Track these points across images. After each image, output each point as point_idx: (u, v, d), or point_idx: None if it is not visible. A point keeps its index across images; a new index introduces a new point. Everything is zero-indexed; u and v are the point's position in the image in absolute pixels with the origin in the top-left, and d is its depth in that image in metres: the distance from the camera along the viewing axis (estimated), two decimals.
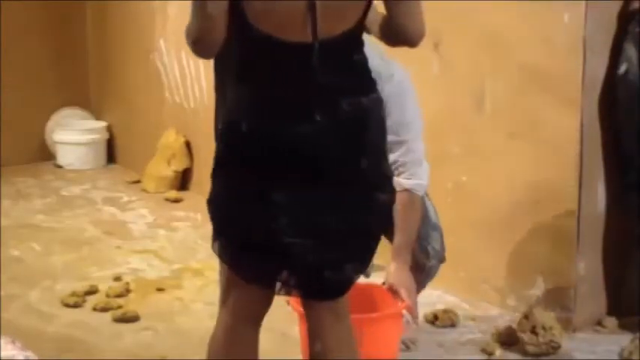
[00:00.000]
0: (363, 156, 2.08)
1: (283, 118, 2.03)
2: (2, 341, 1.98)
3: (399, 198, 2.80)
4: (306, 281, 2.17)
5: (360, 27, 2.09)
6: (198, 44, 2.01)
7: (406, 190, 2.88)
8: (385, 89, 2.73)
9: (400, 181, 2.85)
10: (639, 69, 3.26)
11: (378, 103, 2.13)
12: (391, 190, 2.18)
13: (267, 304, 2.27)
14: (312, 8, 1.98)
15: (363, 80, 2.12)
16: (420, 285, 3.12)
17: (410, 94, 2.90)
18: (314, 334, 2.26)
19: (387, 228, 2.68)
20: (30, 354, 1.98)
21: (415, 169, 2.91)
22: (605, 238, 3.43)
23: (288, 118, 2.03)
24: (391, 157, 2.84)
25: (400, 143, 2.85)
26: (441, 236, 3.10)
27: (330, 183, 2.07)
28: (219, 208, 2.24)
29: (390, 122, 2.80)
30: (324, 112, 2.02)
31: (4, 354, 1.96)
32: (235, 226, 2.18)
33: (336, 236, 2.11)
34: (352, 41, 2.08)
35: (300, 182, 2.06)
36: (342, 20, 2.04)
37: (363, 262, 2.22)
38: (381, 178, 2.14)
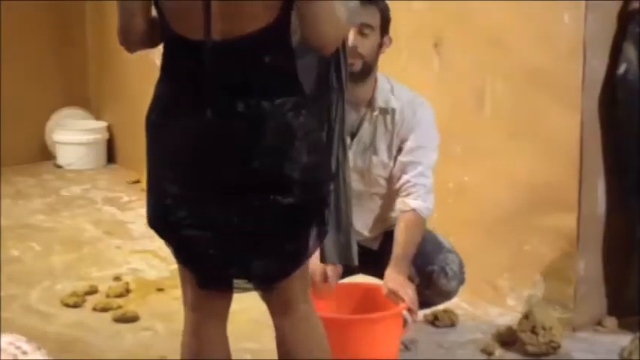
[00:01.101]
0: (256, 158, 2.05)
1: (178, 112, 2.13)
2: (28, 347, 1.98)
3: (405, 217, 2.94)
4: (212, 276, 2.20)
5: (277, 28, 2.05)
6: (120, 37, 2.23)
7: (412, 209, 2.95)
8: (417, 113, 2.96)
9: (408, 201, 2.96)
10: (639, 69, 3.26)
11: (289, 108, 2.07)
12: (300, 195, 2.10)
13: (222, 297, 2.29)
14: (206, 7, 2.01)
15: (271, 83, 2.08)
16: (437, 304, 3.24)
17: (434, 125, 3.04)
18: None
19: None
20: None
21: (424, 193, 2.97)
22: (605, 238, 3.43)
23: (183, 113, 2.11)
24: (404, 177, 2.96)
25: (415, 165, 2.96)
26: (459, 259, 3.14)
27: (221, 180, 2.09)
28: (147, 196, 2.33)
29: (411, 143, 2.89)
30: (216, 111, 2.06)
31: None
32: (154, 219, 2.30)
33: (238, 233, 2.11)
34: (263, 42, 2.05)
35: (195, 176, 2.12)
36: (248, 20, 2.02)
37: (279, 260, 2.17)
38: (281, 181, 2.08)
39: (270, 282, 2.21)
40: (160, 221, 2.24)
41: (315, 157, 2.13)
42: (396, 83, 3.02)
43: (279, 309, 2.27)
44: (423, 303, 3.18)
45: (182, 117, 2.12)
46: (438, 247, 3.10)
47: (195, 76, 2.07)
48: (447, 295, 3.16)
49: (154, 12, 2.16)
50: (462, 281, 3.15)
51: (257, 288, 2.26)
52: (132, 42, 2.21)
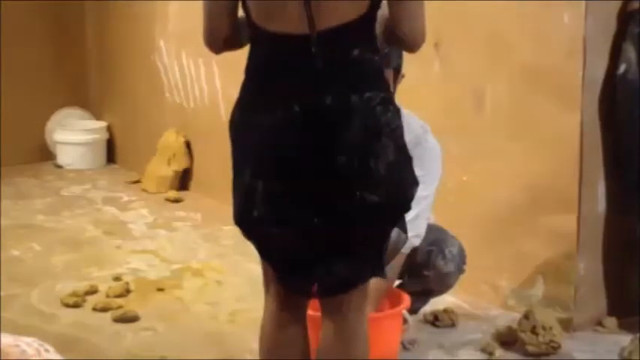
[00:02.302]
0: (342, 153, 2.01)
1: (264, 109, 2.07)
2: (49, 347, 1.98)
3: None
4: (293, 274, 2.16)
5: (365, 22, 2.05)
6: (205, 38, 2.18)
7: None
8: (429, 140, 2.96)
9: None
10: (639, 69, 3.26)
11: (377, 102, 2.05)
12: (387, 194, 2.05)
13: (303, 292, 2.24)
14: (307, 3, 1.99)
15: (359, 77, 2.06)
16: (436, 292, 3.24)
17: (440, 160, 3.02)
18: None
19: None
20: None
21: (417, 221, 2.92)
22: (605, 238, 3.43)
23: (268, 109, 2.05)
24: None
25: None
26: (461, 248, 3.16)
27: (306, 175, 2.04)
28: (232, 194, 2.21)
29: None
30: (303, 105, 2.01)
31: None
32: (238, 212, 2.17)
33: (320, 232, 2.06)
34: (351, 35, 2.04)
35: (280, 172, 2.06)
36: (338, 13, 2.01)
37: (359, 264, 2.13)
38: (367, 178, 2.03)
39: (346, 287, 2.15)
40: (244, 218, 2.14)
41: (402, 157, 2.10)
42: (407, 114, 2.98)
43: (335, 311, 2.19)
44: (423, 292, 3.21)
45: (267, 113, 2.05)
46: (441, 232, 3.16)
47: (282, 71, 2.04)
48: (446, 280, 3.17)
49: (240, 12, 2.14)
50: (461, 269, 3.17)
51: (329, 292, 2.18)
52: (217, 43, 2.18)
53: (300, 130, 2.02)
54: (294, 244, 2.10)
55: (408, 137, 2.78)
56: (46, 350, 1.88)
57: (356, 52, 2.05)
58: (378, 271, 2.20)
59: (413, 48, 2.15)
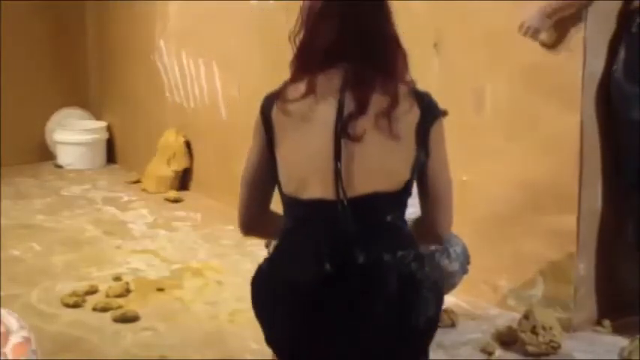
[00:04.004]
0: (378, 309, 2.00)
1: (296, 267, 2.04)
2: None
3: None
4: None
5: (397, 196, 2.05)
6: (239, 221, 2.22)
7: None
8: None
9: None
10: (624, 67, 3.24)
11: (411, 259, 2.04)
12: (419, 345, 2.12)
13: None
14: (336, 171, 1.98)
15: (391, 239, 2.05)
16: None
17: None
18: None
19: None
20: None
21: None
22: (605, 238, 3.43)
23: (300, 267, 2.03)
24: None
25: None
26: (465, 247, 3.16)
27: (338, 335, 2.02)
28: None
29: None
30: (335, 264, 1.99)
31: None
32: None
33: None
34: (384, 204, 2.04)
35: (311, 333, 2.04)
36: (373, 182, 2.02)
37: None
38: (404, 333, 2.04)
39: None
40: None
41: (440, 309, 2.12)
42: None
43: None
44: None
45: (299, 271, 2.03)
46: None
47: (314, 233, 2.03)
48: (450, 279, 3.15)
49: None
50: (465, 269, 3.17)
51: None
52: (249, 229, 2.22)
53: (333, 287, 2.00)
54: None
55: None
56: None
57: (389, 218, 2.05)
58: None
59: (439, 240, 2.23)
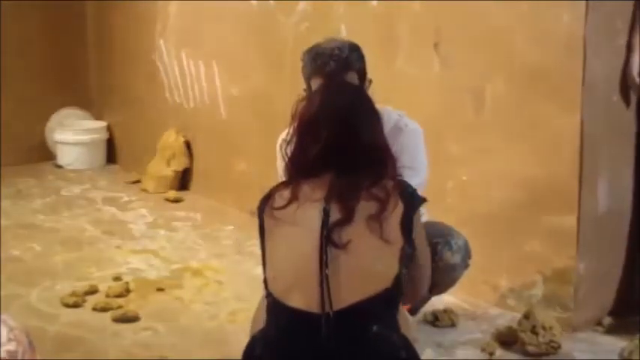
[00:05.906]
0: None
1: None
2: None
3: None
4: None
5: (386, 297, 2.06)
6: None
7: None
8: (409, 124, 2.99)
9: None
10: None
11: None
12: None
13: None
14: (322, 281, 2.01)
15: (377, 347, 2.06)
16: (441, 286, 3.18)
17: (422, 142, 3.04)
18: None
19: None
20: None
21: None
22: (605, 238, 3.43)
23: None
24: None
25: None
26: (466, 241, 3.16)
27: None
28: None
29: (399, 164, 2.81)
30: None
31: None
32: None
33: None
34: (372, 312, 2.05)
35: None
36: (361, 287, 2.04)
37: None
38: None
39: None
40: None
41: None
42: (381, 107, 3.00)
43: None
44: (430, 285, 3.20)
45: None
46: (446, 226, 3.15)
47: (295, 349, 2.07)
48: (452, 272, 3.14)
49: None
50: (466, 263, 3.16)
51: None
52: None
53: None
54: None
55: (389, 126, 2.78)
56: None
57: (375, 328, 2.06)
58: None
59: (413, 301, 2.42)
